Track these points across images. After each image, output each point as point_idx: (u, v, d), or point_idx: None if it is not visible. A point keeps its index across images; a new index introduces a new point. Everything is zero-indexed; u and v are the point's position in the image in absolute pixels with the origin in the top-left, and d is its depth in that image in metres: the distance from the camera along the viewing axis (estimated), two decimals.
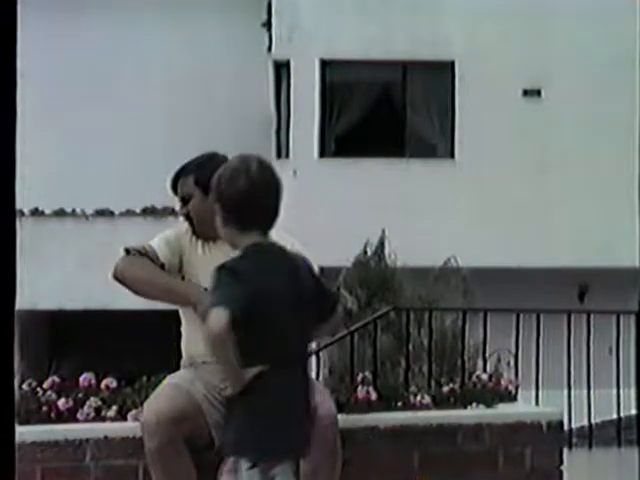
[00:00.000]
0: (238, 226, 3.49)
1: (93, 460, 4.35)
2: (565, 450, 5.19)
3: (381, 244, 12.19)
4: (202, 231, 4.34)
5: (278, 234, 4.52)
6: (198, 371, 4.23)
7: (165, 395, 4.12)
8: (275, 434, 3.39)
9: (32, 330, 15.21)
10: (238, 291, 3.34)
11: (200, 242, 4.35)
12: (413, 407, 4.82)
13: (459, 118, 16.00)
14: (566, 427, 7.14)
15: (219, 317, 3.24)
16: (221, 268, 3.44)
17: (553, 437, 4.86)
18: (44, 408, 4.48)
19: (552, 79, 15.90)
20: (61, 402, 4.49)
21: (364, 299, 11.44)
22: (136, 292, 4.23)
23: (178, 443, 4.00)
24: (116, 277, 4.22)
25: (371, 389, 4.76)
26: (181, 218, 4.48)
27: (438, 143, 16.60)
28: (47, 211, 16.33)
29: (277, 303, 3.42)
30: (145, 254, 4.25)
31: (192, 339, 4.29)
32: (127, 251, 4.29)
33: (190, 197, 4.35)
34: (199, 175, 4.33)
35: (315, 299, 3.58)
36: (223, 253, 4.29)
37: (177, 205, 4.47)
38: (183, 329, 4.38)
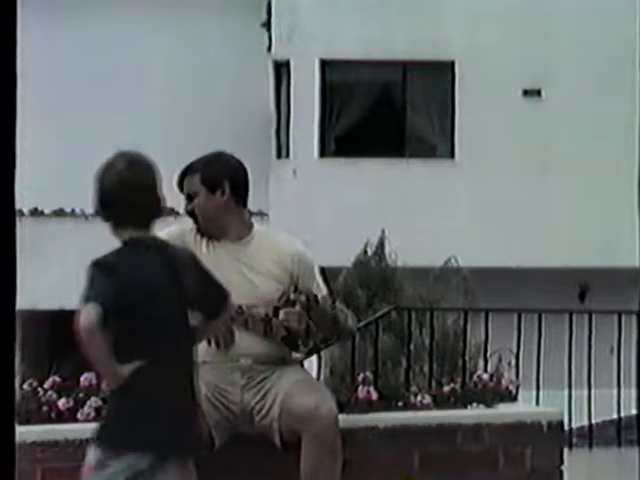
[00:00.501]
0: (113, 221, 3.55)
1: None
2: (565, 450, 5.19)
3: (381, 244, 12.18)
4: (206, 229, 4.34)
5: (278, 234, 4.52)
6: (199, 371, 4.23)
7: None
8: (150, 430, 3.39)
9: (32, 330, 15.21)
10: (109, 286, 3.35)
11: (205, 241, 4.33)
12: (414, 407, 4.82)
13: (459, 118, 15.99)
14: (566, 427, 7.14)
15: (88, 313, 3.27)
16: (93, 264, 3.46)
17: (553, 437, 4.86)
18: (44, 408, 4.48)
19: (552, 79, 15.89)
20: (61, 402, 4.49)
21: (365, 299, 11.43)
22: None
23: None
24: None
25: (372, 389, 4.76)
26: (186, 216, 4.48)
27: (438, 143, 16.60)
28: (47, 211, 16.32)
29: (151, 297, 3.42)
30: None
31: None
32: None
33: (195, 195, 4.33)
34: (205, 173, 4.33)
35: (199, 294, 3.59)
36: (227, 252, 4.29)
37: (182, 202, 4.45)
38: None
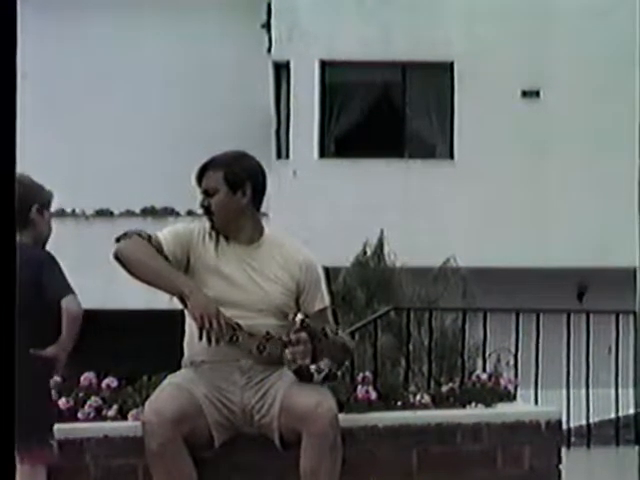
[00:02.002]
0: None
1: (93, 460, 4.35)
2: (564, 449, 5.20)
3: (380, 244, 12.20)
4: (221, 228, 4.31)
5: (287, 241, 4.50)
6: (199, 370, 4.24)
7: (166, 395, 4.13)
8: None
9: None
10: None
11: (213, 242, 4.30)
12: (413, 406, 4.83)
13: (458, 119, 16.01)
14: (565, 426, 7.16)
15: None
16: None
17: (552, 436, 4.87)
18: None
19: (551, 80, 15.91)
20: (62, 401, 4.50)
21: (364, 299, 11.46)
22: (130, 272, 4.18)
23: (178, 443, 4.01)
24: (115, 256, 4.18)
25: (371, 388, 4.77)
26: (193, 217, 4.47)
27: (437, 143, 16.62)
28: None
29: None
30: (148, 239, 4.23)
31: (194, 338, 4.30)
32: (130, 234, 4.25)
33: (215, 191, 4.27)
34: (229, 172, 4.28)
35: (44, 289, 4.03)
36: (236, 255, 4.27)
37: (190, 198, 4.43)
38: (186, 328, 4.37)
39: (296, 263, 4.33)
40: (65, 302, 4.02)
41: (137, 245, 4.21)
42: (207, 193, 4.30)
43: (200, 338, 4.08)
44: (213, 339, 4.06)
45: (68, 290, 4.05)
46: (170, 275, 4.18)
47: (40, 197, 4.21)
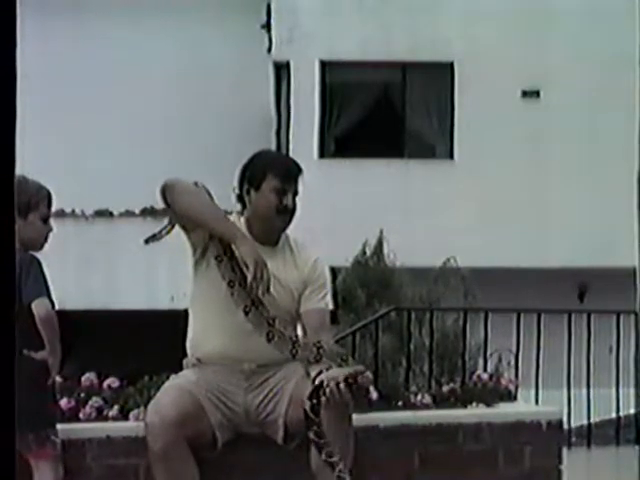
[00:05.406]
0: None
1: (95, 460, 4.35)
2: (564, 449, 5.20)
3: (379, 244, 12.20)
4: (280, 228, 4.35)
5: (298, 243, 4.49)
6: (201, 371, 4.23)
7: (168, 397, 4.12)
8: None
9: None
10: None
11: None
12: (414, 406, 4.84)
13: (458, 119, 16.01)
14: (565, 426, 7.16)
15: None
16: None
17: (552, 436, 4.88)
18: None
19: (551, 80, 15.91)
20: (63, 402, 4.50)
21: (364, 299, 11.45)
22: (184, 205, 4.11)
23: (181, 445, 4.01)
24: (164, 189, 4.11)
25: (372, 389, 4.77)
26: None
27: (437, 144, 16.62)
28: None
29: None
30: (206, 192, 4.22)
31: (198, 338, 4.29)
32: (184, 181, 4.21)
33: (296, 195, 4.35)
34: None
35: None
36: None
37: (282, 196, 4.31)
38: (189, 328, 4.35)
39: (306, 263, 4.33)
40: (34, 306, 4.03)
41: (194, 187, 4.19)
42: (295, 195, 4.33)
43: (251, 287, 4.03)
44: (255, 289, 4.01)
45: (38, 293, 4.05)
46: (225, 218, 4.18)
47: (19, 199, 4.15)
